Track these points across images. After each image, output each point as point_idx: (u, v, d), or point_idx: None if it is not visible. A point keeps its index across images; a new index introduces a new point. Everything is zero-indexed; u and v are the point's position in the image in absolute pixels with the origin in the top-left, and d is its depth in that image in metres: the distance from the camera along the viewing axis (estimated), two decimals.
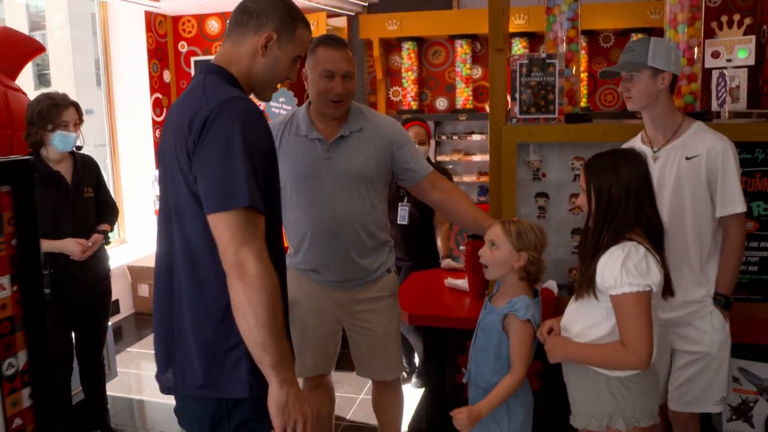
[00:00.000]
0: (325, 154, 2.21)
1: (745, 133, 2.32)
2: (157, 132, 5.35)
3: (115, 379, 3.58)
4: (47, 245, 2.67)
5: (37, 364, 1.09)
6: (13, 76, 3.23)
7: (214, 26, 5.51)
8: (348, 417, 3.34)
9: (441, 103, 6.01)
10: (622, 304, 1.71)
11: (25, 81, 4.26)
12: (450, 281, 2.94)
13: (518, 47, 5.47)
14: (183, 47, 5.60)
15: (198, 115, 1.44)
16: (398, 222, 3.32)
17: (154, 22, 5.36)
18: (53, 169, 2.77)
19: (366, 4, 5.75)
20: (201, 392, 1.52)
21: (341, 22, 5.72)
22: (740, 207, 2.05)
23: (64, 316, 2.83)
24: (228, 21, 1.65)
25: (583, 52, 5.28)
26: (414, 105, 5.89)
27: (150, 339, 4.55)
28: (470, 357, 2.07)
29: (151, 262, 4.87)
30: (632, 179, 1.76)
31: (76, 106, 2.81)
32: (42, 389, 1.10)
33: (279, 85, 2.18)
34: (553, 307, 2.39)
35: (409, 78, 5.86)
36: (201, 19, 5.53)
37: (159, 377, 1.63)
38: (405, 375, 3.65)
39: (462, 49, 5.69)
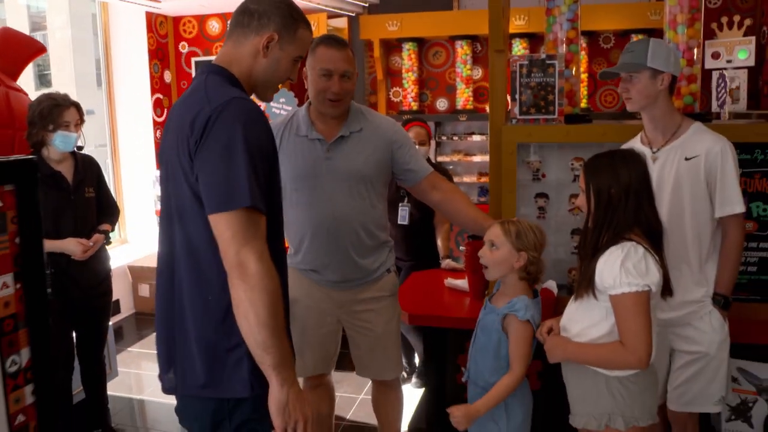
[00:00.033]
0: (325, 155, 2.22)
1: (744, 134, 2.33)
2: (158, 132, 5.35)
3: (115, 378, 3.59)
4: (48, 245, 2.67)
5: (39, 362, 1.09)
6: (15, 77, 3.23)
7: (214, 27, 5.52)
8: (348, 417, 3.34)
9: (441, 104, 6.01)
10: (621, 304, 1.71)
11: (26, 81, 4.27)
12: (450, 281, 2.95)
13: (518, 48, 5.48)
14: (184, 48, 5.61)
15: (200, 115, 1.45)
16: (398, 222, 3.33)
17: (154, 23, 5.36)
18: (54, 169, 2.78)
19: (366, 4, 5.75)
20: (202, 392, 1.53)
21: (342, 23, 5.72)
22: (739, 207, 2.05)
23: (65, 316, 2.83)
24: (229, 22, 1.65)
25: (583, 53, 5.29)
26: (414, 105, 5.89)
27: (151, 339, 4.56)
28: (469, 356, 2.07)
29: (151, 262, 4.89)
30: (631, 179, 1.76)
31: (77, 107, 2.82)
32: (44, 386, 1.10)
33: (280, 86, 2.19)
34: (553, 307, 2.39)
35: (409, 79, 5.87)
36: (202, 19, 5.53)
37: (162, 377, 1.64)
38: (405, 375, 3.65)
39: (462, 49, 5.69)
